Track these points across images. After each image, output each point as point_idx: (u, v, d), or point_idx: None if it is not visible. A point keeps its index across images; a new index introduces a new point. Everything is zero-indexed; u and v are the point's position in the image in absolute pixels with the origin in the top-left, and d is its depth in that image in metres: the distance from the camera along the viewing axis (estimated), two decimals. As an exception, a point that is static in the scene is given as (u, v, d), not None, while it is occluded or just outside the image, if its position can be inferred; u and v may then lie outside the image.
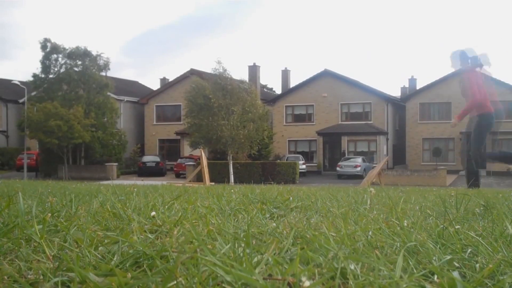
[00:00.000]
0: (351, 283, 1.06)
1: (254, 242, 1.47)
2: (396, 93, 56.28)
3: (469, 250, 1.41)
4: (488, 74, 8.02)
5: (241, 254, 1.21)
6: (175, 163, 40.85)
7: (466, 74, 7.87)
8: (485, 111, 7.75)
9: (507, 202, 3.35)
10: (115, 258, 1.28)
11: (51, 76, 40.08)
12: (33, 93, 40.70)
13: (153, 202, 2.69)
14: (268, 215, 2.36)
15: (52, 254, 1.35)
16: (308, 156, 45.11)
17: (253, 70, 48.21)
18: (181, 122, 44.35)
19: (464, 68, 7.90)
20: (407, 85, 56.20)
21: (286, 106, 46.58)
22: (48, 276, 1.13)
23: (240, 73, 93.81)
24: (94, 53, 40.32)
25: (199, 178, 24.75)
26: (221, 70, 34.40)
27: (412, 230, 1.71)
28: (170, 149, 47.69)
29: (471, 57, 7.84)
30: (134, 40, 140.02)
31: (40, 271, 1.18)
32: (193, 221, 1.93)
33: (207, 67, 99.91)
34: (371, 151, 42.83)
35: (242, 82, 35.24)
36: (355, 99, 44.79)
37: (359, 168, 37.69)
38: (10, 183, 8.15)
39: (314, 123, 45.41)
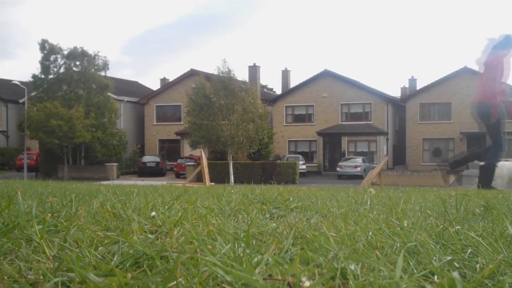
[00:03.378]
0: (351, 283, 1.06)
1: (254, 242, 1.47)
2: (396, 93, 56.26)
3: (469, 250, 1.41)
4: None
5: (241, 254, 1.21)
6: (175, 163, 40.87)
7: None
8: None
9: (507, 203, 3.35)
10: (115, 258, 1.28)
11: (50, 76, 40.06)
12: (33, 94, 40.69)
13: (153, 202, 2.68)
14: (268, 216, 2.36)
15: (52, 254, 1.35)
16: (308, 157, 45.10)
17: (253, 70, 48.19)
18: (181, 122, 44.36)
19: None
20: (407, 85, 56.18)
21: (286, 107, 46.58)
22: (48, 276, 1.13)
23: (240, 73, 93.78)
24: (91, 53, 40.30)
25: (199, 178, 24.78)
26: (226, 70, 34.37)
27: (412, 230, 1.71)
28: (170, 149, 47.71)
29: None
30: (134, 39, 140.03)
31: (40, 271, 1.18)
32: (193, 221, 1.93)
33: (208, 67, 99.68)
34: (371, 151, 42.82)
35: (244, 83, 35.26)
36: (355, 99, 44.80)
37: (359, 169, 37.70)
38: (10, 183, 8.16)
39: (314, 123, 45.41)
